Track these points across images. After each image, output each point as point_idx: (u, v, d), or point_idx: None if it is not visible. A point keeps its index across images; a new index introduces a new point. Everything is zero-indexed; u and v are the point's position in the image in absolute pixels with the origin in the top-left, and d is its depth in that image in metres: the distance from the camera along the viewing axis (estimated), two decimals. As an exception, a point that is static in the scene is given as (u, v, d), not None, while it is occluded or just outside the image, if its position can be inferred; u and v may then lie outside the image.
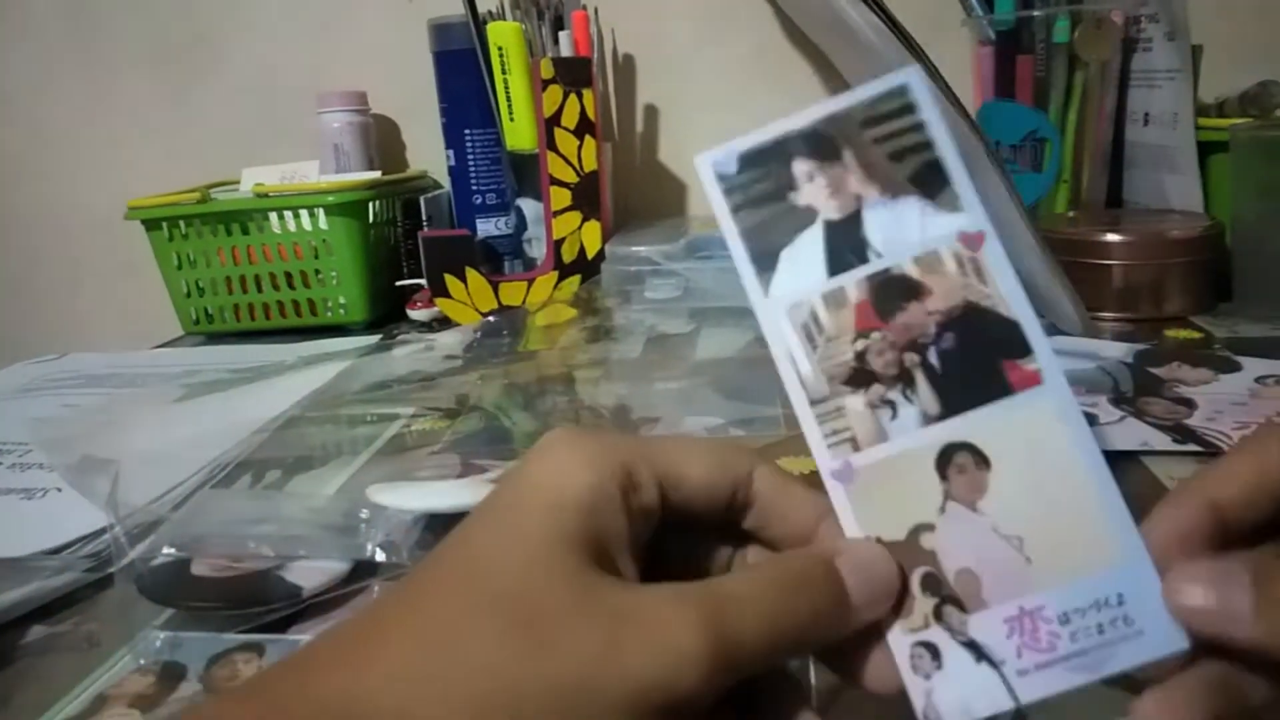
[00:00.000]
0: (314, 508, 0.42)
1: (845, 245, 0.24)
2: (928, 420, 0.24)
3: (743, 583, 0.22)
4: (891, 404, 0.24)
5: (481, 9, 0.79)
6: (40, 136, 1.07)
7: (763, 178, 0.25)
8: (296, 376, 0.66)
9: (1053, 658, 0.22)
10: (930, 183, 0.24)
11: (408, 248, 0.88)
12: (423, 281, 0.79)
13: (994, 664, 0.23)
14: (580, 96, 0.78)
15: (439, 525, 0.39)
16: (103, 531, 0.41)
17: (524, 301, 0.79)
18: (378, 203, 0.84)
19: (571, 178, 0.79)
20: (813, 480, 0.24)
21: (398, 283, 0.86)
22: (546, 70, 0.76)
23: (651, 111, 0.99)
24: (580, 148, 0.78)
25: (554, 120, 0.77)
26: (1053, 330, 0.57)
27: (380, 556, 0.37)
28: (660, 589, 0.21)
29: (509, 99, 0.78)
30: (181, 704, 0.31)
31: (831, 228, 0.24)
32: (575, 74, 0.77)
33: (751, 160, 0.25)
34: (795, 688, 0.24)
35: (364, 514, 0.40)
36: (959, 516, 0.23)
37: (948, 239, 0.24)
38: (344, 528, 0.39)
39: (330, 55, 1.00)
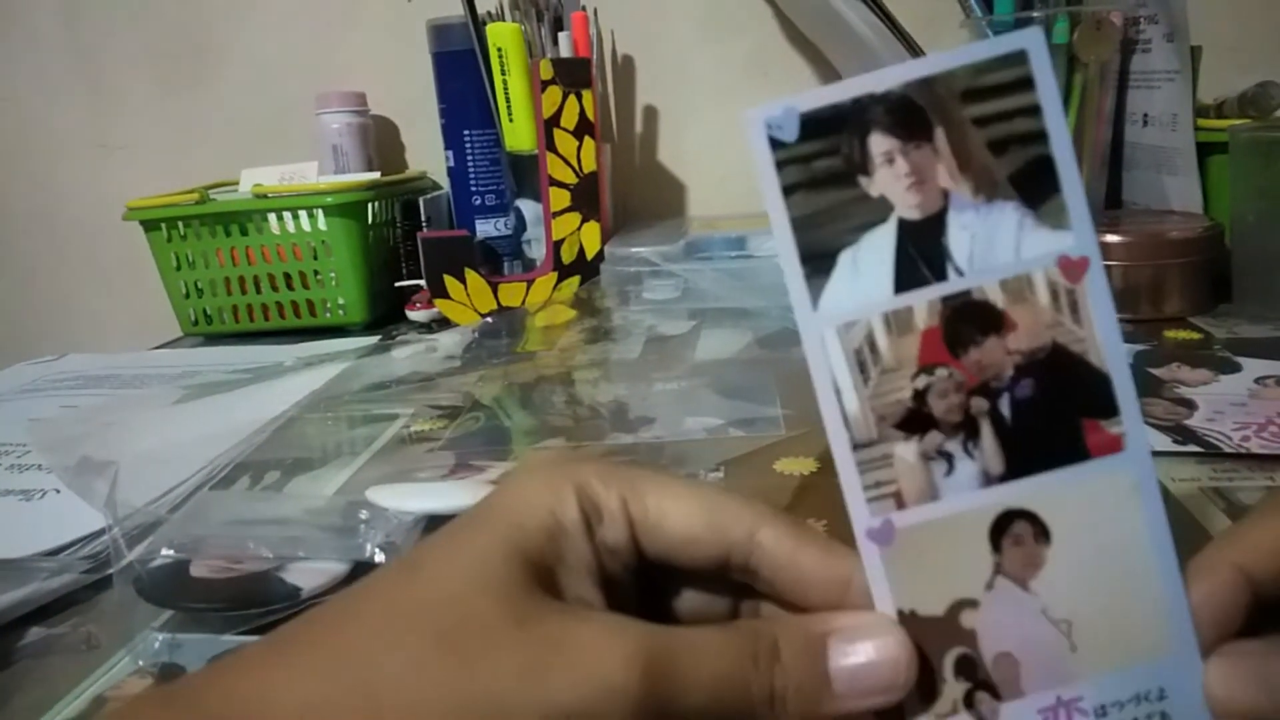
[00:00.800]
0: (313, 509, 0.42)
1: (921, 254, 0.20)
2: (988, 480, 0.20)
3: (703, 635, 0.21)
4: (949, 457, 0.20)
5: (481, 10, 0.79)
6: (40, 137, 1.07)
7: (829, 151, 0.20)
8: (296, 377, 0.66)
9: None
10: (1036, 186, 0.20)
11: (407, 249, 0.88)
12: (422, 282, 0.79)
13: None
14: (579, 97, 0.78)
15: (438, 526, 0.39)
16: (101, 533, 0.41)
17: (523, 302, 0.79)
18: (377, 204, 0.84)
19: (571, 179, 0.79)
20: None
21: (397, 284, 0.86)
22: (546, 71, 0.76)
23: (651, 112, 0.99)
24: (579, 148, 0.78)
25: (553, 121, 0.77)
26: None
27: (380, 557, 0.37)
28: (605, 619, 0.21)
29: (508, 100, 0.78)
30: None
31: (907, 229, 0.20)
32: (574, 75, 0.77)
33: (817, 126, 0.20)
34: None
35: (363, 515, 0.40)
36: (1007, 595, 0.20)
37: (1046, 262, 0.20)
38: (343, 529, 0.39)
39: (329, 56, 1.00)
